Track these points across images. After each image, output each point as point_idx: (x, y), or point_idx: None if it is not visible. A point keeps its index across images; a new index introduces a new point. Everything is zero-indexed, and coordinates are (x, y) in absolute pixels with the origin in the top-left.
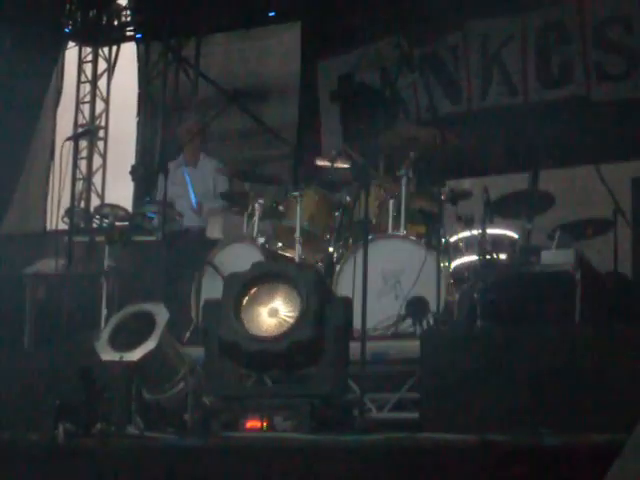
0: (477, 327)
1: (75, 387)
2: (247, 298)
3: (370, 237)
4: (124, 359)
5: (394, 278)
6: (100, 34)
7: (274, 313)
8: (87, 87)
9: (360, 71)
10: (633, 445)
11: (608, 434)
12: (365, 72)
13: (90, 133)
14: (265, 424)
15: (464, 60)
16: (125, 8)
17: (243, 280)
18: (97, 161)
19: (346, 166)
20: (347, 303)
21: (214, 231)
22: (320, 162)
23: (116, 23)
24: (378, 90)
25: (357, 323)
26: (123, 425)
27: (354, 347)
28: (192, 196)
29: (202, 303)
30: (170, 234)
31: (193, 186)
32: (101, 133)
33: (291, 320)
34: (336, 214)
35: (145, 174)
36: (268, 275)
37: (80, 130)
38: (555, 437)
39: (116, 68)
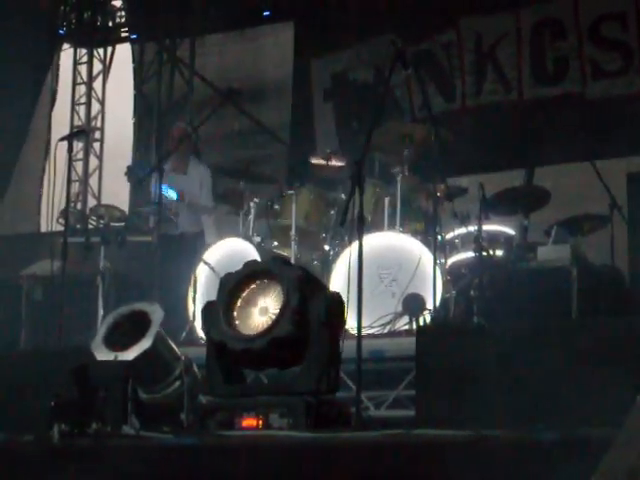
0: (474, 324)
1: (70, 387)
2: (241, 297)
3: (366, 235)
4: (119, 359)
5: (390, 275)
6: (95, 35)
7: (264, 312)
8: (82, 89)
9: (354, 69)
10: (624, 438)
11: (604, 428)
12: (359, 70)
13: (84, 134)
14: (261, 422)
15: (458, 57)
16: (120, 9)
17: (235, 280)
18: (94, 162)
19: (341, 164)
20: (335, 298)
21: (209, 235)
22: (315, 160)
23: (111, 24)
24: (372, 88)
25: (353, 321)
26: (119, 425)
27: (350, 345)
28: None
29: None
30: (166, 236)
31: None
32: (97, 134)
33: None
34: (331, 212)
35: (141, 175)
36: (258, 273)
37: (75, 130)
38: (551, 432)
39: (111, 69)
